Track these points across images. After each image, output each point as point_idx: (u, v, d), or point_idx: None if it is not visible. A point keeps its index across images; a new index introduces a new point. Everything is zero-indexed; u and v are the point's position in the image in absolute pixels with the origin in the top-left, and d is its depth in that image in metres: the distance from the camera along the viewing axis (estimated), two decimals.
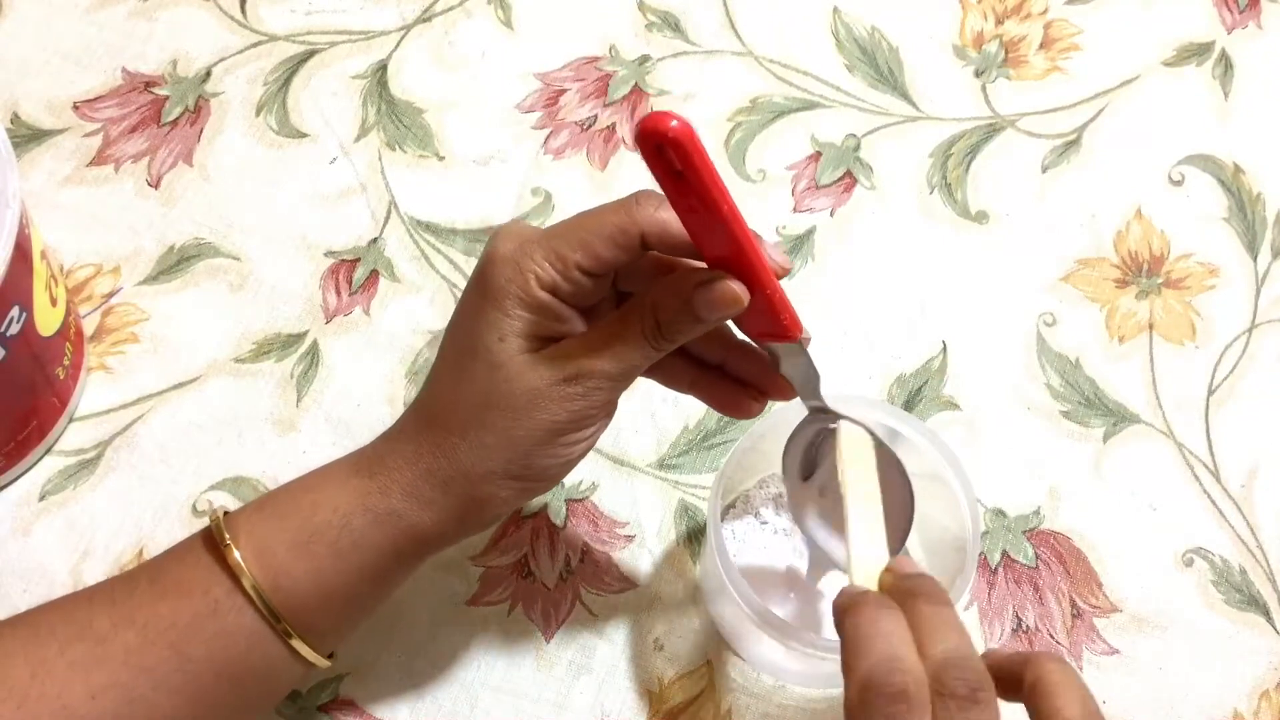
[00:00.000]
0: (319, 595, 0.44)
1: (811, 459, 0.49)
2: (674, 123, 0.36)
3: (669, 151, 0.37)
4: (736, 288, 0.41)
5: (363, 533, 0.44)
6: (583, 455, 0.46)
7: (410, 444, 0.45)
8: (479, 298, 0.43)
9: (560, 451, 0.44)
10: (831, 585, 0.54)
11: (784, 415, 0.52)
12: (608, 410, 0.45)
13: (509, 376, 0.43)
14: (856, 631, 0.39)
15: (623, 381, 0.44)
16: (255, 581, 0.43)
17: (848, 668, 0.38)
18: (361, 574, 0.45)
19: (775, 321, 0.43)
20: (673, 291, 0.42)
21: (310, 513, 0.45)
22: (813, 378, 0.45)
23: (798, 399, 0.47)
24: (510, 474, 0.44)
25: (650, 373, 0.47)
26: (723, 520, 0.55)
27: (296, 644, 0.44)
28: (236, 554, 0.43)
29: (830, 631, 0.52)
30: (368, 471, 0.45)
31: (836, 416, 0.47)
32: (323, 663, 0.46)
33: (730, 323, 0.45)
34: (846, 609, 0.40)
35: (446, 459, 0.44)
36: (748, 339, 0.46)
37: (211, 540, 0.44)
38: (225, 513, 0.45)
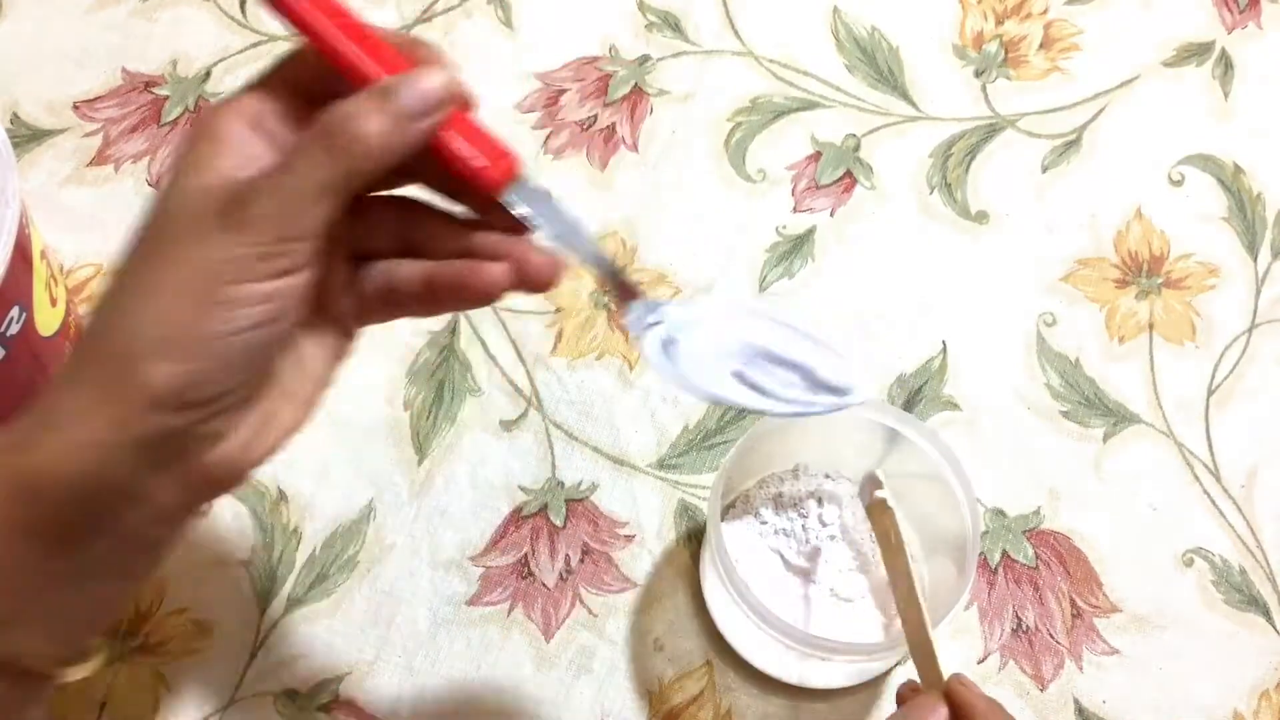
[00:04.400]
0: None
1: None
2: None
3: None
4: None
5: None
6: (270, 336, 0.35)
7: (70, 366, 0.34)
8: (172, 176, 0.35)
9: (227, 314, 0.33)
10: (829, 584, 0.54)
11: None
12: (289, 263, 0.34)
13: (173, 216, 0.34)
14: None
15: (298, 218, 0.34)
16: None
17: None
18: (33, 557, 0.34)
19: (449, 157, 0.36)
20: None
21: None
22: (565, 229, 0.37)
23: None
24: (170, 340, 0.33)
25: (383, 302, 0.40)
26: (723, 520, 0.55)
27: None
28: None
29: (829, 631, 0.52)
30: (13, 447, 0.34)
31: (656, 304, 0.39)
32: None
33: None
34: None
35: (93, 338, 0.34)
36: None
37: None
38: None
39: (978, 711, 0.44)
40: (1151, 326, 0.63)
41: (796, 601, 0.53)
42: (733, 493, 0.56)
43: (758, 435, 0.51)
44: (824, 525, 0.54)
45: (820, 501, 0.55)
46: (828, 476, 0.56)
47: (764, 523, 0.55)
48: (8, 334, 0.50)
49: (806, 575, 0.54)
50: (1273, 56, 0.69)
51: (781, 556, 0.54)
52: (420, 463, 0.58)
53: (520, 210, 0.36)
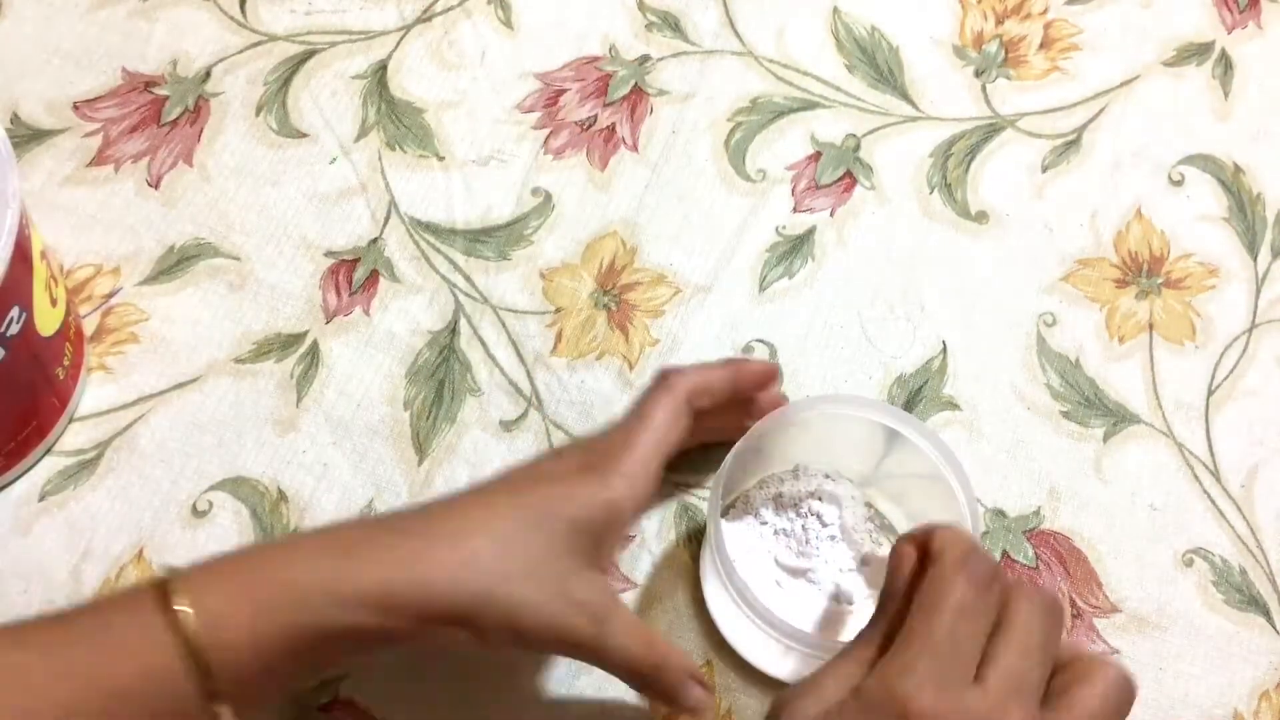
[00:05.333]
0: (255, 667, 0.42)
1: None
2: None
3: None
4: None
5: (313, 616, 0.42)
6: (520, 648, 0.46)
7: (413, 543, 0.44)
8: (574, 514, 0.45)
9: (524, 645, 0.45)
10: (829, 583, 0.54)
11: (786, 415, 0.52)
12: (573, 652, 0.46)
13: (555, 578, 0.44)
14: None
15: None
16: (196, 646, 0.41)
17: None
18: (298, 657, 0.43)
19: None
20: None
21: (267, 587, 0.43)
22: None
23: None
24: (475, 632, 0.44)
25: None
26: (723, 520, 0.55)
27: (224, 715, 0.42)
28: (183, 615, 0.41)
29: (829, 631, 0.52)
30: (343, 552, 0.44)
31: None
32: None
33: None
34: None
35: (438, 589, 0.43)
36: None
37: (158, 596, 0.42)
38: (174, 570, 0.43)
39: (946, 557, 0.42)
40: (1151, 326, 0.63)
41: (796, 601, 0.53)
42: (732, 493, 0.56)
43: (758, 435, 0.51)
44: (824, 525, 0.54)
45: (820, 501, 0.55)
46: (827, 477, 0.56)
47: (764, 523, 0.55)
48: (8, 334, 0.50)
49: (806, 575, 0.54)
50: (1273, 56, 0.69)
51: (780, 557, 0.54)
52: (420, 463, 0.58)
53: None
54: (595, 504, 0.46)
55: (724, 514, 0.55)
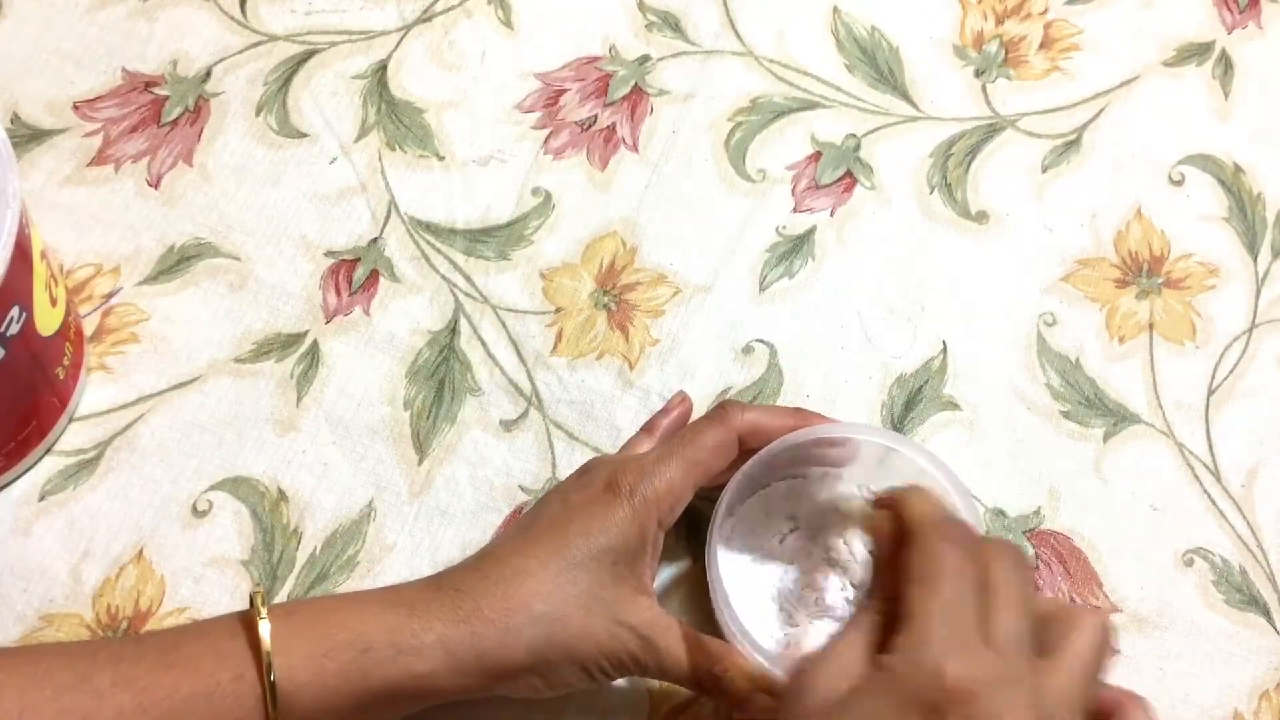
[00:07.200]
0: (316, 708, 0.44)
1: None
2: None
3: None
4: None
5: (377, 666, 0.45)
6: (603, 682, 0.49)
7: (468, 601, 0.46)
8: (604, 526, 0.47)
9: (589, 676, 0.48)
10: (828, 601, 0.53)
11: (790, 446, 0.52)
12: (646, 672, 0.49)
13: (611, 603, 0.47)
14: None
15: (666, 676, 0.49)
16: (276, 678, 0.43)
17: None
18: (361, 703, 0.45)
19: None
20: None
21: (335, 630, 0.45)
22: None
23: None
24: (540, 675, 0.47)
25: None
26: (732, 521, 0.54)
27: None
28: (267, 645, 0.44)
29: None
30: (407, 610, 0.46)
31: None
32: None
33: None
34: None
35: (496, 640, 0.45)
36: None
37: (233, 627, 0.45)
38: (252, 604, 0.46)
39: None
40: (1151, 326, 0.63)
41: (795, 616, 0.53)
42: (734, 508, 0.55)
43: (764, 462, 0.51)
44: (828, 549, 0.54)
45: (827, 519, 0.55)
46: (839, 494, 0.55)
47: (764, 540, 0.55)
48: (8, 334, 0.50)
49: (813, 589, 0.54)
50: (1273, 56, 0.69)
51: (781, 571, 0.54)
52: (420, 463, 0.58)
53: None
54: (630, 533, 0.48)
55: (725, 525, 0.54)
